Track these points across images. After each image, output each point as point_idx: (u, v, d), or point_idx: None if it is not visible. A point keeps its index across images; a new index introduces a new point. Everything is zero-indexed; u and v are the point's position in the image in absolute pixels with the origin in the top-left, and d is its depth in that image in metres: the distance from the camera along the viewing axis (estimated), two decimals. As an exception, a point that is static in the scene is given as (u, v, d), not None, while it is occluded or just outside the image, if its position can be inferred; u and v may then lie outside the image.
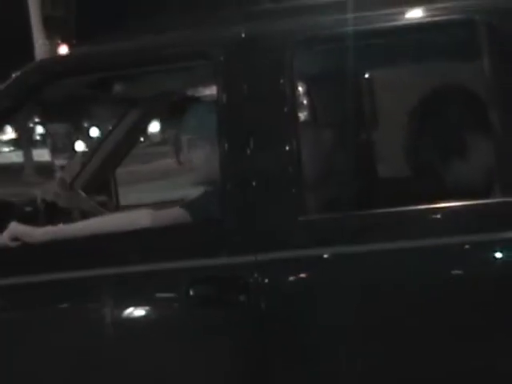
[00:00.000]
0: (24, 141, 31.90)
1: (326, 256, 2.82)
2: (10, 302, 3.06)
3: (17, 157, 35.82)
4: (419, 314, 2.77)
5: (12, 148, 45.04)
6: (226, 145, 2.92)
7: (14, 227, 3.18)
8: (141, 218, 3.15)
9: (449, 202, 2.85)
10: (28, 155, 30.28)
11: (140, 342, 2.93)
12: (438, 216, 2.85)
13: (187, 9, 3.21)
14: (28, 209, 4.10)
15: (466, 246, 2.78)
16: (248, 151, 2.89)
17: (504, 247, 2.74)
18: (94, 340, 2.96)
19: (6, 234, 3.15)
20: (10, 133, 44.58)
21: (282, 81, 2.91)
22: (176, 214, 3.16)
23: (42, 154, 31.62)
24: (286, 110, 2.90)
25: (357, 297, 2.74)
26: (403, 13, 2.97)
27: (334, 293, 2.78)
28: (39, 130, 41.80)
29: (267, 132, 2.90)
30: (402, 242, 2.79)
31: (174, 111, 4.07)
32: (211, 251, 2.88)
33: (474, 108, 3.10)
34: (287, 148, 2.87)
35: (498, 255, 2.77)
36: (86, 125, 33.37)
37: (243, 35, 2.98)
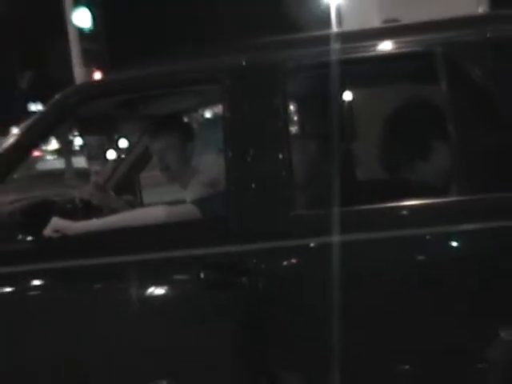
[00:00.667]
0: (65, 150, 31.82)
1: (312, 245, 2.81)
2: (52, 282, 3.05)
3: (59, 164, 35.82)
4: (392, 294, 2.75)
5: (55, 156, 44.96)
6: (230, 154, 2.92)
7: (56, 221, 3.18)
8: (157, 213, 3.17)
9: (414, 200, 2.84)
10: (68, 162, 30.25)
11: (160, 317, 2.91)
12: (405, 211, 2.83)
13: (200, 41, 3.21)
14: (68, 206, 4.10)
15: (428, 237, 2.76)
16: (248, 159, 2.89)
17: (459, 237, 2.74)
18: (123, 313, 2.95)
19: (50, 227, 3.16)
20: (53, 144, 44.54)
21: (275, 101, 2.90)
22: (188, 210, 3.16)
23: (79, 162, 31.59)
24: (279, 124, 2.90)
25: (339, 280, 2.71)
26: (375, 45, 2.97)
27: (319, 276, 2.76)
28: (78, 141, 41.72)
29: (264, 143, 2.90)
30: (376, 234, 2.78)
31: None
32: (218, 241, 2.88)
33: (434, 121, 3.09)
34: (280, 156, 2.87)
35: (454, 244, 2.76)
36: (115, 137, 33.38)
37: (244, 63, 2.97)
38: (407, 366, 2.78)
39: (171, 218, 3.11)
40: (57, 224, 3.16)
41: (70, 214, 3.55)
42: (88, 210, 3.96)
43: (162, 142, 3.88)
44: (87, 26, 18.03)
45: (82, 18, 17.92)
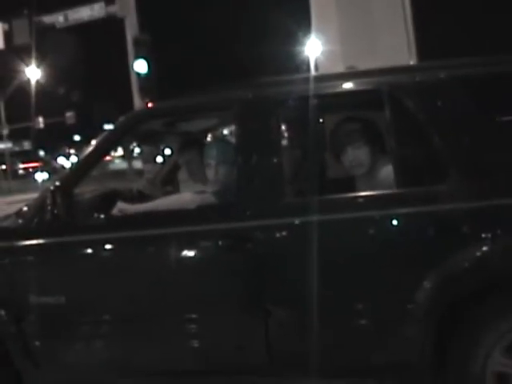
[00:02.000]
0: (127, 156, 31.80)
1: (296, 222, 2.81)
2: (120, 245, 3.03)
3: (123, 165, 35.89)
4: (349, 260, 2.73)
5: (121, 160, 45.04)
6: (240, 159, 2.91)
7: (121, 204, 3.18)
8: (185, 198, 3.17)
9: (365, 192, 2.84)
10: (130, 164, 30.27)
11: (192, 270, 2.91)
12: (361, 200, 2.83)
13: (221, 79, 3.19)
14: (129, 194, 4.09)
15: (376, 217, 2.73)
16: (253, 163, 2.88)
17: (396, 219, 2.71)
18: (167, 268, 2.92)
19: (116, 208, 3.15)
20: (120, 151, 44.55)
21: (273, 124, 2.90)
22: (207, 198, 3.14)
23: (137, 164, 31.67)
24: (275, 139, 2.89)
25: (315, 248, 2.70)
26: (338, 84, 2.97)
27: (302, 244, 2.75)
28: (136, 149, 41.77)
29: (264, 153, 2.88)
30: (340, 215, 2.77)
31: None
32: (231, 220, 2.87)
33: (377, 140, 3.07)
34: (275, 161, 2.86)
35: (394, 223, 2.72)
36: (162, 146, 33.46)
37: (250, 96, 2.96)
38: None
39: (194, 203, 3.09)
40: (121, 206, 3.16)
41: (130, 199, 3.54)
42: (142, 197, 3.96)
43: (187, 156, 3.90)
44: (144, 71, 17.99)
45: (140, 66, 17.89)
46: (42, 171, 39.86)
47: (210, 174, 3.28)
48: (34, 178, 37.94)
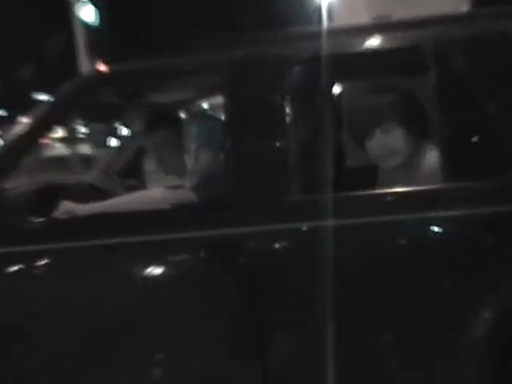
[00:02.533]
0: (70, 138, 31.76)
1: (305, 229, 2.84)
2: (59, 260, 3.04)
3: (64, 150, 35.71)
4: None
5: (61, 144, 44.85)
6: (231, 142, 2.93)
7: (66, 204, 3.18)
8: (155, 194, 3.22)
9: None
10: (73, 149, 30.18)
11: (164, 294, 2.94)
12: (393, 199, 2.86)
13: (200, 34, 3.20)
14: (75, 190, 4.09)
15: (414, 223, 2.77)
16: (247, 148, 2.90)
17: None
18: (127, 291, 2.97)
19: (60, 208, 3.16)
20: (59, 131, 44.40)
21: (273, 91, 2.92)
22: (185, 195, 3.16)
23: (84, 149, 31.52)
24: (277, 117, 2.92)
25: (331, 263, 2.73)
26: (364, 40, 2.99)
27: (313, 258, 2.77)
28: (83, 129, 41.63)
29: (262, 134, 2.91)
30: (365, 218, 2.80)
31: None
32: (217, 224, 2.89)
33: (420, 114, 3.08)
34: (278, 146, 2.90)
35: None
36: (117, 125, 33.34)
37: (244, 56, 2.99)
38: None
39: (167, 200, 3.10)
40: (66, 206, 3.16)
41: (78, 196, 3.54)
42: (95, 193, 3.96)
43: (157, 137, 3.89)
44: (93, 21, 17.98)
45: (88, 13, 17.88)
46: None
47: (189, 161, 3.28)
48: None
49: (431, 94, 2.84)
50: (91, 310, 2.96)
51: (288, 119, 2.99)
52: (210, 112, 4.17)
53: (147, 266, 2.94)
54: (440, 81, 2.80)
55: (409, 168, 3.08)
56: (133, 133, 4.73)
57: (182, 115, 4.41)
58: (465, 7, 7.02)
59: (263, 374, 2.84)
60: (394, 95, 3.10)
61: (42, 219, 3.14)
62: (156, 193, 3.25)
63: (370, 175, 3.20)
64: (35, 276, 3.05)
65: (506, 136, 2.73)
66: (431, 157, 2.98)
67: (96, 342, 2.99)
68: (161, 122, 3.97)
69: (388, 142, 3.07)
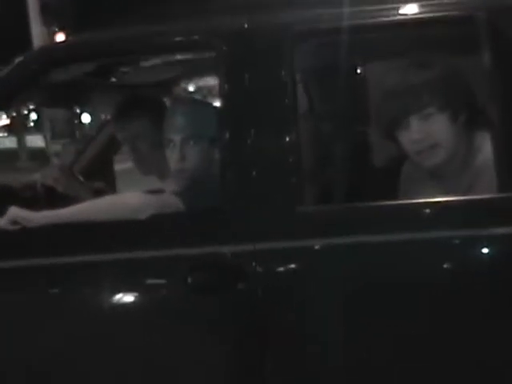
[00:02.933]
0: (18, 127, 31.85)
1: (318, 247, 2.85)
2: (10, 283, 3.04)
3: (10, 142, 35.77)
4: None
5: (5, 134, 44.95)
6: (227, 134, 2.93)
7: (14, 211, 3.17)
8: (130, 200, 3.12)
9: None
10: (22, 141, 30.26)
11: (143, 327, 2.94)
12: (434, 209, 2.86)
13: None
14: (26, 193, 4.09)
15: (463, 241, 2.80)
16: (248, 143, 2.89)
17: None
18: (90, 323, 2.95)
19: (6, 217, 3.14)
20: (3, 119, 44.44)
21: (282, 72, 2.90)
22: (167, 199, 3.14)
23: (35, 140, 31.54)
24: (286, 101, 2.90)
25: (352, 290, 2.77)
26: (400, 8, 2.97)
27: (330, 283, 2.80)
28: (33, 116, 41.72)
29: (268, 124, 2.90)
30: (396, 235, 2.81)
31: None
32: (209, 240, 2.89)
33: (468, 96, 3.08)
34: (287, 140, 2.87)
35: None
36: (78, 111, 33.26)
37: (246, 26, 2.97)
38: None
39: (146, 207, 3.09)
40: (15, 214, 3.14)
41: (29, 201, 3.53)
42: (51, 197, 3.96)
43: (132, 128, 3.88)
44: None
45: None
46: None
47: (173, 158, 3.29)
48: None
49: (483, 72, 2.83)
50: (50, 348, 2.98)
51: (301, 107, 2.99)
52: (198, 96, 4.16)
53: (116, 290, 2.94)
54: (494, 56, 2.80)
55: (454, 167, 3.07)
56: (100, 121, 4.73)
57: (164, 100, 4.41)
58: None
59: None
60: (434, 72, 3.08)
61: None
62: (130, 198, 3.22)
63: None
64: None
65: None
66: (484, 154, 2.97)
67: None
68: (137, 108, 3.96)
69: (427, 131, 3.06)
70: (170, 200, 3.12)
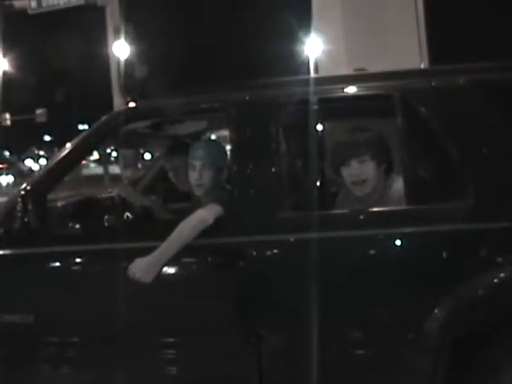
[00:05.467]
0: (104, 160, 31.76)
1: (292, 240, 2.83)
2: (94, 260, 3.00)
3: (99, 170, 35.77)
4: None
5: (96, 164, 44.85)
6: (234, 166, 2.92)
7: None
8: (204, 218, 2.89)
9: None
10: (106, 169, 30.18)
11: (178, 290, 2.90)
12: (366, 216, 2.84)
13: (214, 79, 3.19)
14: (108, 202, 4.06)
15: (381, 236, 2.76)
16: (248, 172, 2.88)
17: None
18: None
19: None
20: (95, 155, 44.37)
21: (270, 128, 2.90)
22: (215, 209, 2.95)
23: (114, 169, 31.50)
24: (272, 145, 2.89)
25: (313, 268, 2.71)
26: (344, 87, 2.97)
27: (300, 264, 2.76)
28: (113, 153, 41.67)
29: (261, 160, 2.89)
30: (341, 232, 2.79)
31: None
32: (225, 233, 2.87)
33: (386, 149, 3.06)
34: (273, 170, 2.86)
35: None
36: (142, 151, 33.30)
37: (248, 98, 2.97)
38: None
39: (212, 217, 2.90)
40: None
41: (110, 207, 3.52)
42: (123, 205, 3.92)
43: (174, 161, 3.86)
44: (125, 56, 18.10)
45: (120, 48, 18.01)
46: (6, 174, 39.58)
47: (194, 177, 3.20)
48: (-3, 182, 37.76)
49: (399, 133, 2.81)
50: (117, 304, 2.86)
51: (282, 150, 2.98)
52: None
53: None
54: (405, 123, 2.77)
55: (375, 196, 3.02)
56: (155, 157, 4.70)
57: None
58: (423, 64, 7.08)
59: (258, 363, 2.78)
60: (370, 134, 3.06)
61: (79, 225, 3.12)
62: (202, 214, 2.91)
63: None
64: (74, 272, 3.01)
65: (460, 167, 2.70)
66: (393, 189, 2.96)
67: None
68: (177, 150, 3.95)
69: (362, 170, 3.02)
70: (217, 209, 3.01)
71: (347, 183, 3.07)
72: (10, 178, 38.13)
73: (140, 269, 2.83)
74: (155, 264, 2.84)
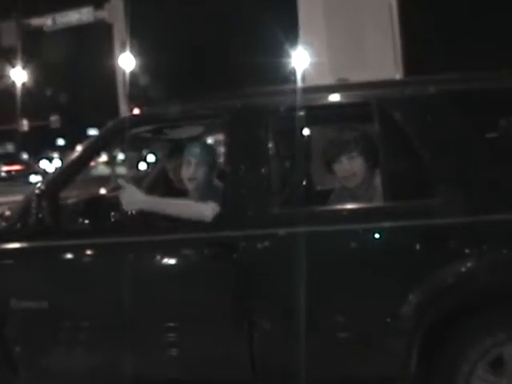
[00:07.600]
0: (111, 161, 31.62)
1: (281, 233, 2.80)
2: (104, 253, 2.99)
3: (106, 171, 35.61)
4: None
5: (104, 166, 44.64)
6: (229, 168, 2.91)
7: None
8: (205, 210, 2.90)
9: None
10: (113, 170, 30.06)
11: (177, 280, 2.89)
12: (347, 212, 2.85)
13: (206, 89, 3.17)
14: (115, 199, 4.04)
15: (361, 231, 2.75)
16: (240, 172, 2.87)
17: None
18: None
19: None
20: (104, 157, 44.19)
21: (261, 132, 2.89)
22: (213, 206, 2.93)
23: (121, 170, 31.37)
24: (263, 149, 2.88)
25: (299, 260, 2.69)
26: (327, 96, 2.98)
27: (287, 256, 2.75)
28: (120, 155, 41.52)
29: (252, 162, 2.87)
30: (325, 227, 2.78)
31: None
32: (220, 228, 2.85)
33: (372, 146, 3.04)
34: (263, 171, 2.85)
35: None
36: (144, 153, 33.14)
37: (239, 106, 2.96)
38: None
39: (211, 214, 2.89)
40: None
41: (114, 205, 3.49)
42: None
43: (175, 162, 3.85)
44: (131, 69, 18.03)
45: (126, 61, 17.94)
46: (35, 174, 39.57)
47: (188, 171, 3.19)
48: (27, 181, 37.63)
49: (377, 136, 2.83)
50: (122, 293, 2.86)
51: (272, 152, 2.97)
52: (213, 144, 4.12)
53: (164, 259, 2.90)
54: (382, 128, 2.79)
55: (363, 188, 3.03)
56: (157, 159, 4.68)
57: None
58: (398, 75, 7.11)
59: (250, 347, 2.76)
60: (357, 133, 3.06)
61: (88, 221, 3.10)
62: (205, 210, 2.92)
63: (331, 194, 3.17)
64: (84, 263, 3.00)
65: (431, 168, 2.70)
66: (377, 183, 2.94)
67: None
68: (178, 151, 3.94)
69: (351, 165, 3.02)
70: (216, 208, 2.96)
71: (339, 178, 3.08)
72: (38, 178, 38.09)
73: (131, 199, 2.97)
74: (141, 204, 2.97)
